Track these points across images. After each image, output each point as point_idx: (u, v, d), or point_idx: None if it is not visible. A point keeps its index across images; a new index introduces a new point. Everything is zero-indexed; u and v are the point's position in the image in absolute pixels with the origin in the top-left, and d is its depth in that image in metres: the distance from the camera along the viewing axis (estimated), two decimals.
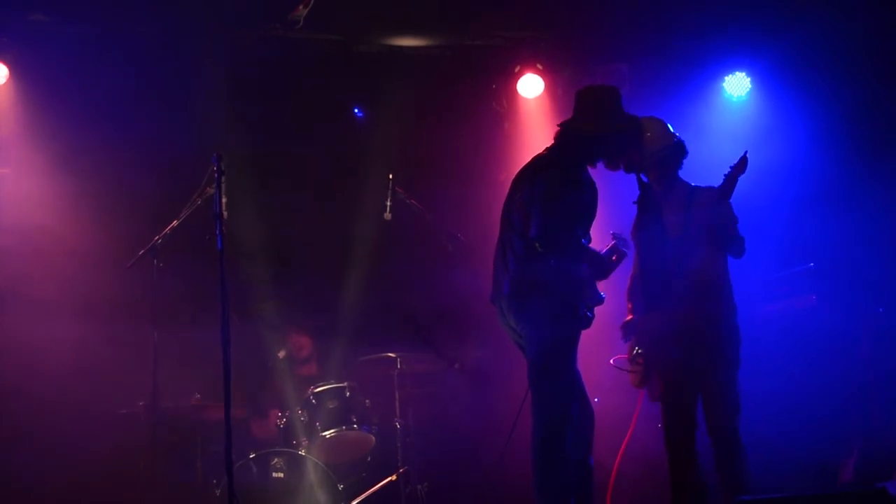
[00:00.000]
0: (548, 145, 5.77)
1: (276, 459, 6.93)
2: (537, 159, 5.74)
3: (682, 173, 6.09)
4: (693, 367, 5.79)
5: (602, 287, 5.66)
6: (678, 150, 6.02)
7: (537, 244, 5.37)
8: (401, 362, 7.46)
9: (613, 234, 5.71)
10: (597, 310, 5.60)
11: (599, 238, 6.00)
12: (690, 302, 5.78)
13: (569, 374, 5.52)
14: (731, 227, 5.84)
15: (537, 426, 5.50)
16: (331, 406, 7.33)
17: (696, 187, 6.02)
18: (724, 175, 5.71)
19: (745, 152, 5.70)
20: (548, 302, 5.47)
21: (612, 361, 6.21)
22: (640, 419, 6.36)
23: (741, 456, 5.76)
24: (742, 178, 5.76)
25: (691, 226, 5.86)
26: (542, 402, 5.50)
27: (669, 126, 6.05)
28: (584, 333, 5.57)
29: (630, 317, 6.13)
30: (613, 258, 5.64)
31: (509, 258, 5.60)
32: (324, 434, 7.24)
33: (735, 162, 5.70)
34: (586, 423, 5.61)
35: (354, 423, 7.34)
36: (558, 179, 5.47)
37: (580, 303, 5.48)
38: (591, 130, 5.63)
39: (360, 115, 8.94)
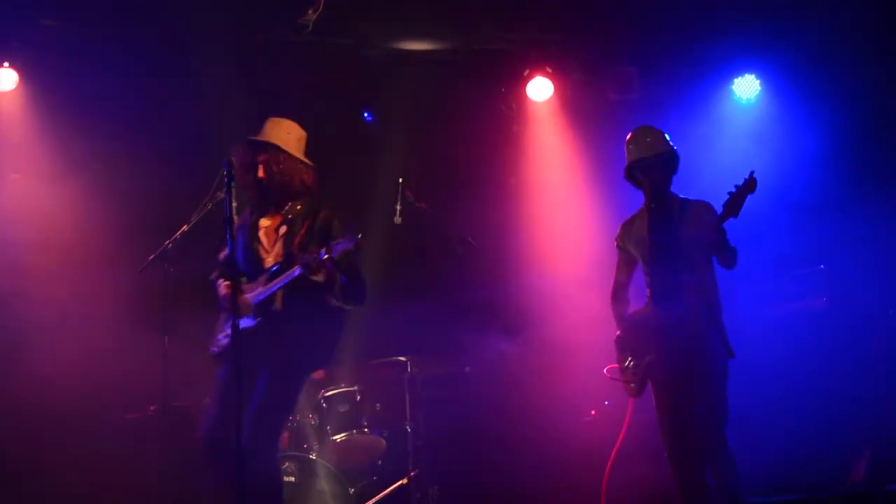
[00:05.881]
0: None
1: (286, 463, 6.91)
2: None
3: (684, 178, 6.08)
4: (682, 378, 5.75)
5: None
6: (675, 159, 6.00)
7: None
8: (411, 366, 7.47)
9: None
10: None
11: (606, 242, 6.00)
12: (689, 310, 5.75)
13: None
14: (723, 237, 5.72)
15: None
16: (341, 410, 7.34)
17: (686, 200, 6.00)
18: (729, 193, 5.57)
19: (752, 172, 5.57)
20: None
21: (605, 371, 6.19)
22: (638, 425, 6.33)
23: (726, 464, 5.71)
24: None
25: (682, 240, 5.83)
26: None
27: (667, 136, 6.04)
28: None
29: (619, 332, 6.12)
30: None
31: None
32: (334, 438, 7.24)
33: (741, 182, 5.56)
34: None
35: (365, 426, 7.35)
36: None
37: None
38: None
39: (369, 119, 8.95)
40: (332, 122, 8.48)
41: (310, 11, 7.42)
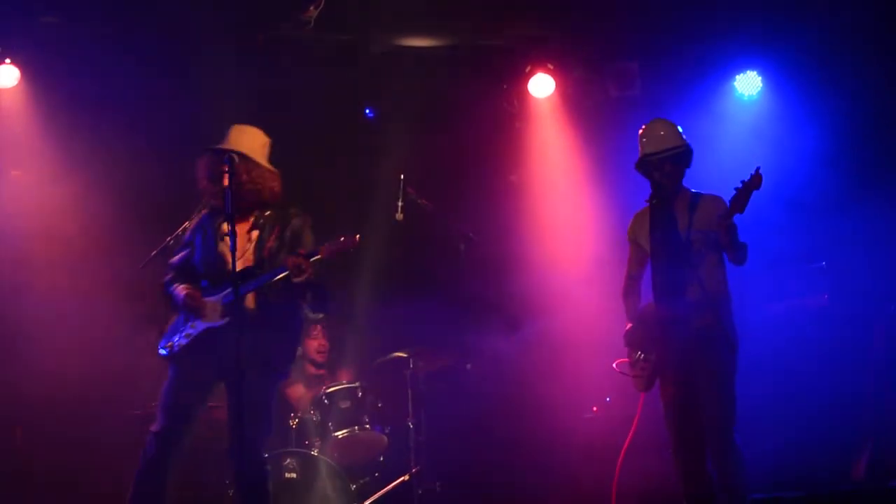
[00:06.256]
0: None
1: (288, 459, 6.91)
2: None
3: (686, 175, 6.06)
4: (685, 375, 5.75)
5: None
6: (687, 155, 5.98)
7: None
8: (413, 362, 7.46)
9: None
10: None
11: (608, 239, 5.98)
12: (690, 308, 5.75)
13: None
14: (733, 234, 5.71)
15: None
16: (343, 406, 7.33)
17: (698, 194, 5.98)
18: (735, 189, 5.52)
19: (758, 168, 5.51)
20: None
21: (614, 365, 6.18)
22: (646, 421, 6.34)
23: (734, 464, 5.70)
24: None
25: (688, 237, 5.82)
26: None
27: (680, 129, 6.03)
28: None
29: (629, 325, 6.11)
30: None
31: None
32: (336, 434, 7.24)
33: (747, 178, 5.50)
34: None
35: (367, 423, 7.35)
36: None
37: None
38: None
39: (370, 115, 8.95)
40: (334, 119, 8.49)
41: (311, 8, 7.43)
